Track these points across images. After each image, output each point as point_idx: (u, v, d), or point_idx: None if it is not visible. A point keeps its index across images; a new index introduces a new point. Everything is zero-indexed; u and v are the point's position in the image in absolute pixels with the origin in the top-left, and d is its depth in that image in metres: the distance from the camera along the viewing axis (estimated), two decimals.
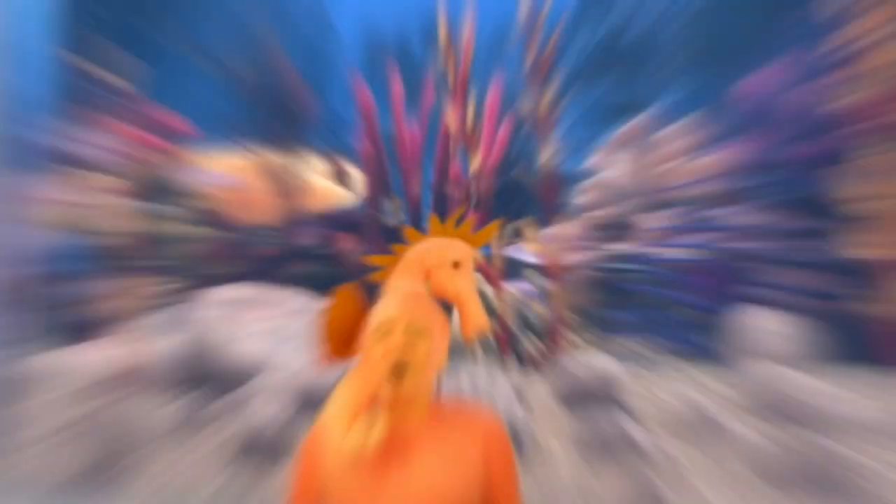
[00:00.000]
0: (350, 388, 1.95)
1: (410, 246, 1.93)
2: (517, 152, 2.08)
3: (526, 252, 1.96)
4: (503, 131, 1.90)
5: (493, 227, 1.95)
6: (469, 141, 1.94)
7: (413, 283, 1.99)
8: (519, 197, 2.01)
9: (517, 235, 2.15)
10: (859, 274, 1.85)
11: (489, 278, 1.90)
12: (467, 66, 1.96)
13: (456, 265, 1.95)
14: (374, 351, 1.91)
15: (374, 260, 1.93)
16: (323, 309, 1.98)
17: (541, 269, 1.88)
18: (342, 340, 1.99)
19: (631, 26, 2.00)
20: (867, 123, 1.77)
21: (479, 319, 1.91)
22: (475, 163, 1.95)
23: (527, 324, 1.92)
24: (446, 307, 1.90)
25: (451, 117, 1.90)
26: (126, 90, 2.38)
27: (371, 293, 1.96)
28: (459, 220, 1.88)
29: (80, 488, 2.41)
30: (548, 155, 1.92)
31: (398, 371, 1.90)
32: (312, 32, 2.19)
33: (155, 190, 2.31)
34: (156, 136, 2.24)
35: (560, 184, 1.90)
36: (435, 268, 1.98)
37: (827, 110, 1.84)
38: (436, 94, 2.12)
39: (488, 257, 1.95)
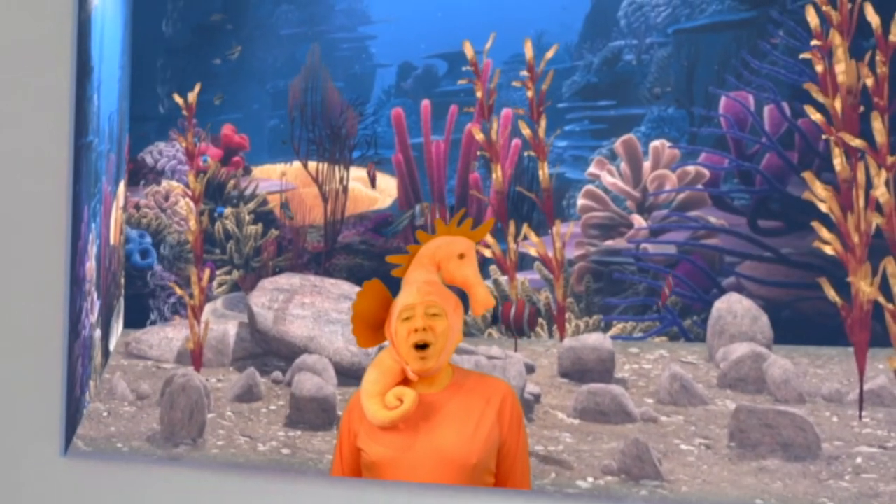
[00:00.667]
0: (382, 365, 2.28)
1: (421, 245, 2.25)
2: (526, 164, 2.36)
3: (534, 248, 2.23)
4: (514, 146, 2.17)
5: (488, 224, 2.27)
6: (491, 153, 2.22)
7: (427, 274, 2.29)
8: (528, 201, 2.30)
9: (526, 235, 2.45)
10: (821, 266, 2.10)
11: (504, 269, 2.15)
12: (484, 91, 2.27)
13: (461, 256, 2.24)
14: (399, 333, 2.24)
15: (392, 259, 2.28)
16: (353, 300, 2.32)
17: (546, 262, 2.15)
18: (371, 326, 2.31)
19: (624, 51, 2.24)
20: (826, 137, 2.02)
21: (485, 299, 2.21)
22: (497, 172, 2.25)
23: (535, 308, 2.19)
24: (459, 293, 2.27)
25: (475, 132, 2.20)
26: (191, 112, 2.66)
27: (393, 287, 2.30)
28: (461, 221, 2.20)
29: (158, 449, 2.70)
30: (549, 168, 2.23)
31: (421, 348, 2.21)
32: (354, 61, 2.45)
33: (214, 195, 2.57)
34: (218, 148, 2.51)
35: (562, 190, 2.18)
36: (444, 260, 2.27)
37: (792, 126, 2.05)
38: (458, 113, 2.41)
39: (504, 252, 2.24)
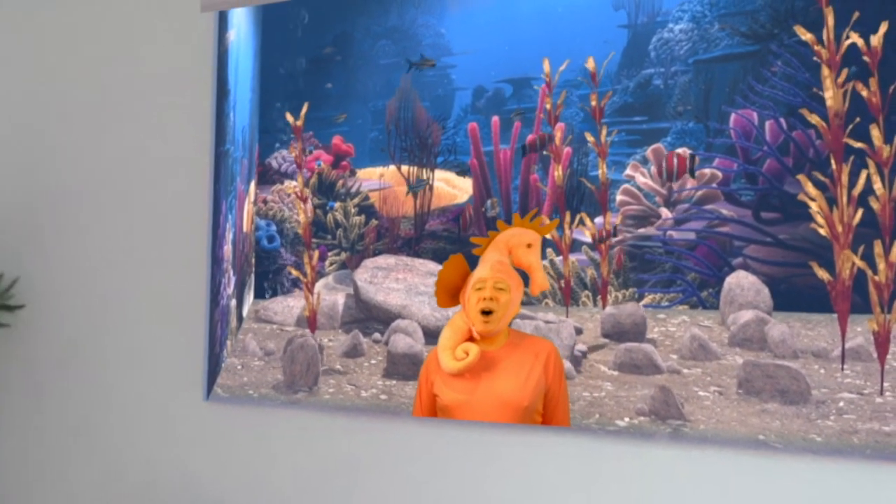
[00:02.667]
0: (454, 325, 2.66)
1: (500, 232, 2.62)
2: (575, 166, 2.63)
3: (583, 234, 2.54)
4: (566, 153, 2.49)
5: (554, 223, 2.60)
6: (555, 155, 2.52)
7: (500, 255, 2.64)
8: (577, 195, 2.59)
9: (579, 223, 2.71)
10: (811, 249, 2.22)
11: (560, 250, 2.46)
12: (542, 108, 2.52)
13: (529, 246, 2.61)
14: (471, 300, 2.59)
15: (474, 240, 2.65)
16: (439, 270, 2.70)
17: (592, 245, 2.43)
18: (450, 292, 2.67)
19: (654, 77, 2.38)
20: (818, 145, 2.14)
21: (542, 282, 2.59)
22: (558, 172, 2.56)
23: (582, 282, 2.45)
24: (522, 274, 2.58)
25: (534, 143, 2.50)
26: (298, 129, 2.95)
27: (471, 262, 2.67)
28: (533, 217, 2.57)
29: (281, 395, 3.04)
30: (597, 169, 2.49)
31: (486, 312, 2.58)
32: (438, 85, 2.71)
33: (326, 192, 2.84)
34: (329, 154, 2.84)
35: (606, 188, 2.40)
36: (515, 247, 2.63)
37: (787, 137, 2.22)
38: (521, 126, 2.67)
39: (561, 236, 2.53)
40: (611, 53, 2.57)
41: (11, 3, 3.76)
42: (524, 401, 2.53)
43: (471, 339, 2.62)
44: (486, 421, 2.64)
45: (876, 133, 2.19)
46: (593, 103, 2.58)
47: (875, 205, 2.20)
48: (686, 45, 2.43)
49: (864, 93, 2.20)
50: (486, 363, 2.59)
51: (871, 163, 2.22)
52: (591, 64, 2.58)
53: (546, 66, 2.67)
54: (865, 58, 2.22)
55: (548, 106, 2.66)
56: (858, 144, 2.22)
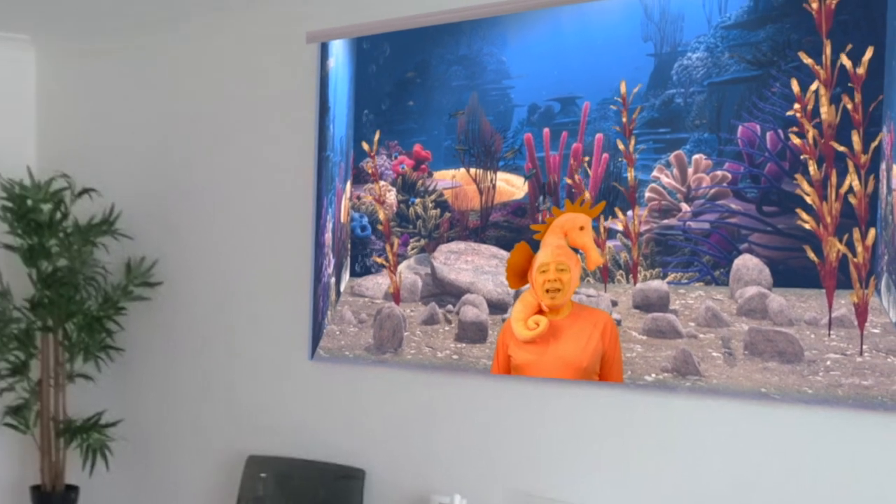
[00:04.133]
0: (525, 301, 2.84)
1: (555, 218, 2.80)
2: (611, 169, 2.66)
3: (617, 224, 2.64)
4: (604, 158, 2.55)
5: (600, 206, 2.74)
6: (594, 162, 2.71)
7: (558, 239, 2.80)
8: (612, 193, 2.61)
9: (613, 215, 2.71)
10: (804, 237, 2.34)
11: (598, 242, 2.58)
12: (584, 122, 2.63)
13: (581, 228, 2.77)
14: (537, 280, 2.78)
15: (534, 227, 2.84)
16: (507, 258, 2.91)
17: (625, 234, 2.54)
18: (519, 274, 2.86)
19: (675, 96, 2.49)
20: (810, 153, 2.27)
21: (596, 259, 2.75)
22: (595, 175, 2.64)
23: (617, 264, 2.56)
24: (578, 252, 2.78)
25: (578, 149, 2.65)
26: (373, 151, 3.07)
27: (534, 246, 2.89)
28: (581, 203, 2.75)
29: (371, 355, 3.24)
30: (630, 172, 2.58)
31: (552, 291, 2.76)
32: (499, 103, 2.87)
33: (408, 190, 3.03)
34: (411, 159, 2.99)
35: (636, 187, 2.55)
36: (569, 230, 2.79)
37: (787, 145, 2.32)
38: (568, 136, 2.71)
39: (596, 227, 2.64)
40: (638, 85, 2.72)
41: (154, 37, 3.99)
42: (584, 362, 2.74)
43: (539, 311, 2.83)
44: (550, 377, 2.86)
45: (856, 139, 2.33)
46: (623, 119, 2.73)
47: (853, 200, 2.33)
48: (702, 70, 2.57)
49: (850, 106, 2.33)
50: (552, 331, 2.80)
51: (850, 164, 2.35)
52: (623, 86, 2.75)
53: (589, 88, 2.80)
54: (850, 84, 2.35)
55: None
56: (841, 148, 2.35)
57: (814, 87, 2.39)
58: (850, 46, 2.33)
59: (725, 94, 2.54)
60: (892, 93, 2.23)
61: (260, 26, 3.59)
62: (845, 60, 2.34)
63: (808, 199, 2.38)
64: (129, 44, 4.04)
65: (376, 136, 3.24)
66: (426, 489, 3.10)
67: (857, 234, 2.32)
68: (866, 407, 2.29)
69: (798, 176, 2.39)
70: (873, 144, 2.33)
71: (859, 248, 2.31)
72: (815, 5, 2.39)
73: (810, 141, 2.40)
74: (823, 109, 2.34)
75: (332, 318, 3.35)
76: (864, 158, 2.32)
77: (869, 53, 2.32)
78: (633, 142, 2.72)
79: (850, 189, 2.34)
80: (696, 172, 2.58)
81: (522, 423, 2.93)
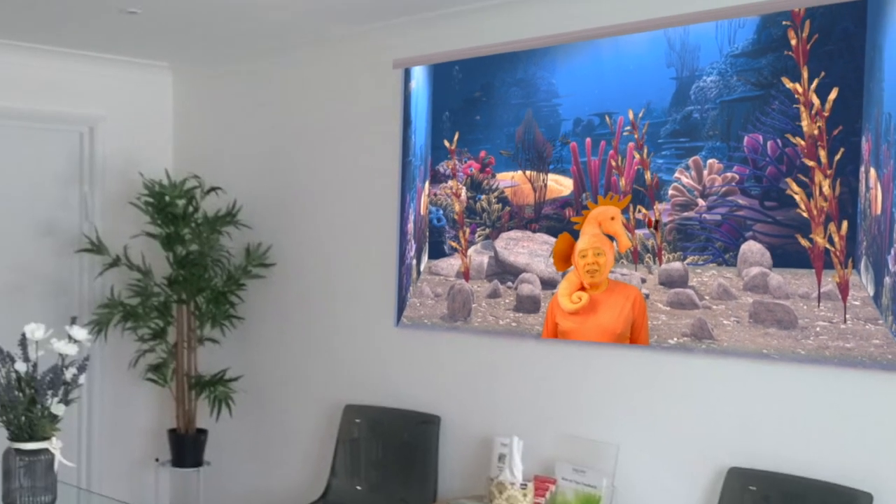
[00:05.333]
0: (569, 280, 2.96)
1: (591, 210, 2.94)
2: (640, 172, 2.74)
3: (643, 216, 2.66)
4: (634, 163, 2.68)
5: (627, 199, 2.82)
6: (626, 166, 2.69)
7: (594, 228, 2.92)
8: (643, 186, 2.68)
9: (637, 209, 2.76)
10: (797, 226, 2.39)
11: (628, 228, 2.70)
12: (619, 134, 2.72)
13: (612, 218, 2.87)
14: (579, 263, 2.91)
15: (574, 218, 2.99)
16: (553, 245, 3.04)
17: (649, 224, 2.63)
18: (563, 259, 2.97)
19: (694, 112, 2.57)
20: (805, 158, 2.34)
21: (626, 243, 2.81)
22: (626, 176, 2.72)
23: (646, 248, 2.64)
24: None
25: (614, 156, 2.70)
26: (453, 150, 3.14)
27: (575, 235, 3.00)
28: (611, 198, 2.88)
29: (445, 323, 3.31)
30: (650, 175, 2.65)
31: (591, 272, 2.89)
32: (549, 117, 2.92)
33: (475, 188, 3.09)
34: (478, 163, 3.05)
35: (662, 186, 2.61)
36: (602, 220, 2.90)
37: (784, 152, 2.39)
38: (605, 145, 2.79)
39: (627, 219, 2.72)
40: (660, 96, 2.82)
41: (268, 63, 4.12)
42: (618, 328, 2.87)
43: (581, 288, 2.96)
44: (590, 341, 2.95)
45: (822, 154, 2.45)
46: (644, 131, 2.82)
47: (823, 204, 2.45)
48: (714, 90, 2.67)
49: (822, 123, 2.44)
50: (591, 303, 2.93)
51: (826, 170, 2.45)
52: (648, 102, 2.81)
53: (622, 106, 2.91)
54: (819, 115, 2.45)
55: (632, 131, 2.88)
56: (811, 163, 2.47)
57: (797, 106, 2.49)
58: (822, 74, 2.42)
59: (734, 110, 2.62)
60: (870, 109, 2.35)
61: (355, 55, 3.70)
62: (815, 93, 2.45)
63: (797, 199, 2.49)
64: (248, 68, 4.19)
65: (454, 141, 3.31)
66: (490, 432, 3.17)
67: (831, 227, 2.44)
68: (849, 365, 2.40)
69: (788, 180, 2.50)
70: (836, 157, 2.42)
71: (835, 238, 2.42)
72: (793, 42, 2.50)
73: (804, 149, 2.51)
74: (804, 123, 2.46)
75: (413, 293, 3.46)
76: (829, 171, 2.44)
77: (834, 93, 2.41)
78: (645, 151, 2.81)
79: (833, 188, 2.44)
80: (710, 174, 2.67)
81: (568, 378, 3.05)
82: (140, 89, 4.46)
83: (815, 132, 2.47)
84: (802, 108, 2.49)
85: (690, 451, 2.76)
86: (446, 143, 3.36)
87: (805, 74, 2.49)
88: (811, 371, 2.52)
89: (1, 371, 1.83)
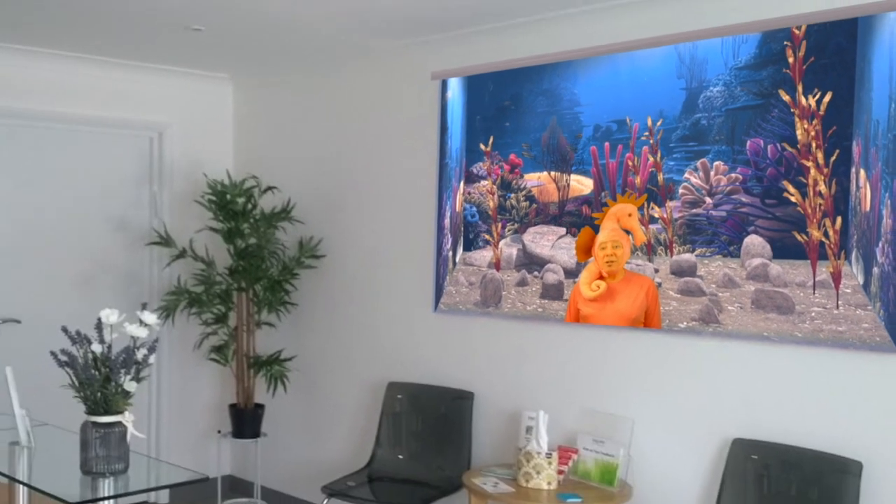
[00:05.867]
0: (590, 269, 2.99)
1: (610, 207, 2.95)
2: (654, 173, 2.71)
3: (657, 212, 2.62)
4: (649, 165, 2.66)
5: (643, 198, 2.86)
6: (641, 168, 2.68)
7: (613, 224, 2.94)
8: (656, 185, 2.65)
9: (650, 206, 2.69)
10: (794, 221, 2.41)
11: (643, 223, 2.70)
12: (634, 138, 2.70)
13: (629, 214, 2.89)
14: (598, 255, 2.94)
15: (595, 214, 2.99)
16: (576, 239, 3.04)
17: (663, 220, 2.60)
18: (584, 250, 3.00)
19: (702, 118, 2.56)
20: (801, 160, 2.35)
21: (641, 237, 2.85)
22: (641, 176, 2.71)
23: (659, 241, 2.63)
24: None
25: (630, 158, 2.67)
26: (488, 151, 3.06)
27: (595, 229, 3.03)
28: (628, 196, 2.91)
29: (478, 309, 3.28)
30: (663, 175, 2.62)
31: (609, 262, 2.92)
32: (572, 123, 2.90)
33: (505, 188, 3.03)
34: (507, 165, 3.00)
35: (673, 185, 2.60)
36: (620, 216, 2.91)
37: (783, 155, 2.41)
38: (623, 149, 2.74)
39: (642, 214, 2.71)
40: (671, 105, 2.87)
41: (318, 75, 4.13)
42: (633, 313, 2.90)
43: (600, 277, 2.97)
44: (609, 325, 2.99)
45: (820, 156, 2.52)
46: (659, 135, 2.84)
47: (820, 202, 2.52)
48: (720, 99, 2.71)
49: (818, 129, 2.50)
50: (609, 291, 2.96)
51: (821, 171, 2.52)
52: (660, 110, 2.86)
53: (638, 113, 2.96)
54: (814, 120, 2.52)
55: (648, 136, 2.90)
56: (808, 163, 2.53)
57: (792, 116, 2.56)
58: (817, 86, 2.49)
59: (738, 117, 2.67)
60: (860, 116, 2.43)
61: (396, 67, 3.76)
62: (811, 102, 2.50)
63: (793, 199, 2.56)
64: (300, 79, 4.24)
65: (490, 143, 3.34)
66: (518, 407, 3.24)
67: (827, 222, 2.50)
68: (841, 347, 2.45)
69: (785, 182, 2.57)
70: (832, 159, 2.49)
71: (830, 232, 2.49)
72: (792, 58, 2.57)
73: (800, 152, 2.57)
74: (799, 132, 2.53)
75: (449, 282, 3.48)
76: (826, 171, 2.50)
77: (829, 94, 2.48)
78: (659, 154, 2.85)
79: (823, 188, 2.51)
80: (716, 175, 2.71)
81: (588, 358, 3.10)
82: (203, 98, 4.52)
83: (812, 136, 2.53)
84: (797, 118, 2.56)
85: (698, 424, 2.81)
86: (482, 146, 3.38)
87: (800, 88, 2.56)
88: (807, 352, 2.56)
89: (79, 352, 1.83)
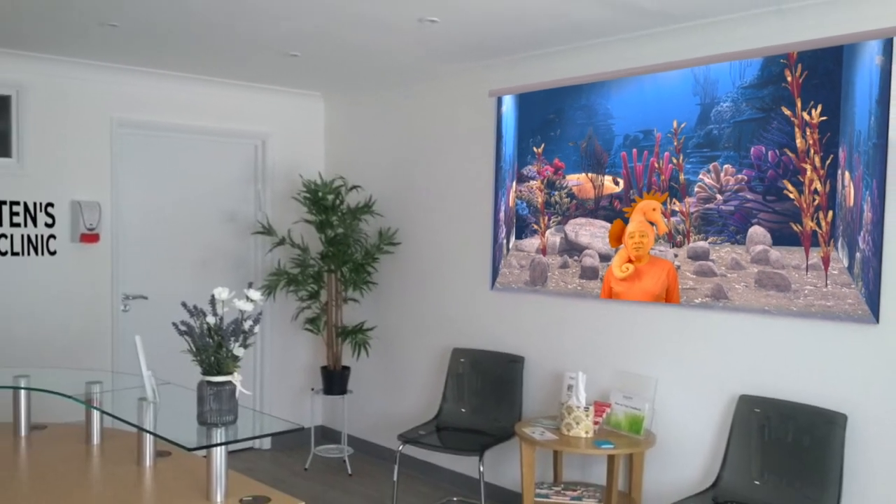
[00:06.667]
0: (620, 254, 3.05)
1: (637, 203, 3.01)
2: (674, 174, 2.69)
3: (676, 206, 2.57)
4: (668, 167, 2.66)
5: (665, 196, 2.91)
6: (663, 170, 2.63)
7: (639, 216, 2.99)
8: (676, 185, 2.62)
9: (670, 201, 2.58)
10: (791, 215, 2.42)
11: (665, 215, 2.69)
12: (658, 145, 2.69)
13: (653, 209, 2.94)
14: (628, 243, 3.00)
15: (626, 209, 3.04)
16: (609, 229, 3.09)
17: (681, 212, 2.61)
18: (616, 238, 3.07)
19: (713, 129, 2.57)
20: (800, 164, 2.34)
21: (662, 228, 2.90)
22: (663, 176, 2.70)
23: (678, 231, 2.63)
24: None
25: (654, 162, 2.68)
26: (539, 154, 3.02)
27: (625, 221, 3.08)
28: (653, 193, 2.94)
29: (528, 287, 3.41)
30: (684, 175, 2.59)
31: (637, 248, 2.99)
32: (605, 133, 2.88)
33: (550, 186, 3.04)
34: (552, 168, 2.99)
35: (690, 184, 2.60)
36: (646, 210, 2.98)
37: (781, 159, 2.41)
38: (648, 154, 2.70)
39: (664, 208, 2.68)
40: (688, 118, 2.93)
41: (392, 93, 4.20)
42: (656, 291, 2.97)
43: (629, 261, 3.05)
44: (636, 300, 3.06)
45: (817, 160, 2.60)
46: (681, 141, 2.93)
47: (815, 198, 2.60)
48: (729, 113, 2.80)
49: (813, 138, 2.59)
50: (637, 273, 3.02)
51: (813, 173, 2.60)
52: (679, 122, 2.94)
53: (665, 123, 3.01)
54: (812, 124, 2.60)
55: (676, 144, 2.94)
56: (806, 165, 2.62)
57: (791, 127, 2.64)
58: (816, 105, 2.58)
59: (743, 128, 2.74)
60: (846, 127, 2.52)
61: (459, 87, 3.84)
62: (805, 115, 2.59)
63: (791, 196, 2.65)
64: (380, 97, 4.32)
65: (540, 149, 3.38)
66: (561, 369, 3.36)
67: (821, 215, 2.61)
68: (829, 318, 2.54)
69: (785, 181, 2.67)
70: (827, 162, 2.58)
71: (823, 223, 2.59)
72: (789, 78, 2.66)
73: (796, 157, 2.67)
74: (798, 141, 2.63)
75: (503, 265, 3.55)
76: (821, 172, 2.59)
77: (820, 108, 2.56)
78: (681, 157, 2.91)
79: (817, 188, 2.60)
80: (726, 176, 2.80)
81: (619, 328, 3.18)
82: (299, 112, 4.62)
83: (810, 144, 2.58)
84: (796, 128, 2.62)
85: (710, 383, 2.88)
86: (535, 149, 3.41)
87: (799, 103, 2.65)
88: (801, 323, 2.64)
89: (196, 323, 1.85)
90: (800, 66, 2.60)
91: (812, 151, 2.56)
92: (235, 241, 4.45)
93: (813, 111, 2.57)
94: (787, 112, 2.65)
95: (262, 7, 2.72)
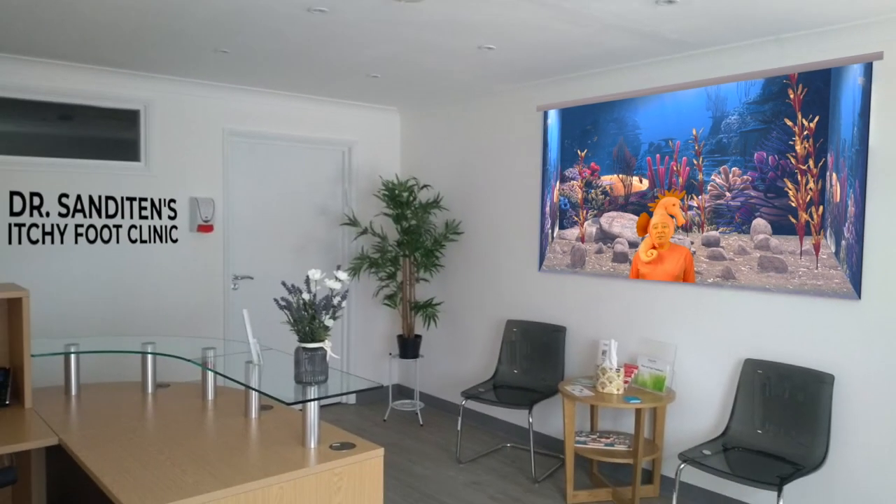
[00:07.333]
0: (646, 241, 3.17)
1: (660, 199, 3.12)
2: (692, 174, 2.72)
3: (692, 202, 2.59)
4: (686, 170, 2.70)
5: (683, 193, 3.01)
6: (681, 171, 2.67)
7: (662, 210, 3.11)
8: (692, 184, 2.67)
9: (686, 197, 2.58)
10: (789, 210, 2.47)
11: (683, 209, 2.74)
12: (676, 151, 2.74)
13: (674, 204, 3.05)
14: (652, 232, 3.12)
15: (651, 204, 3.16)
16: (636, 220, 3.22)
17: (696, 208, 2.65)
18: (642, 228, 3.19)
19: (723, 138, 2.60)
20: (798, 166, 2.39)
21: (681, 220, 3.01)
22: (682, 177, 2.75)
23: (693, 222, 2.69)
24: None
25: (674, 165, 2.73)
26: (581, 159, 3.07)
27: (650, 214, 3.18)
28: (673, 191, 3.04)
29: (569, 269, 3.54)
30: (699, 176, 2.61)
31: (660, 237, 3.11)
32: (633, 141, 2.93)
33: (588, 185, 3.10)
34: (589, 170, 3.04)
35: (703, 184, 2.64)
36: (667, 205, 3.08)
37: (780, 163, 2.46)
38: (668, 158, 2.70)
39: (682, 203, 2.72)
40: (702, 128, 3.04)
41: (457, 107, 4.37)
42: (676, 272, 3.08)
43: (653, 247, 3.18)
44: (659, 280, 3.19)
45: (811, 163, 2.72)
46: (696, 148, 3.04)
47: (809, 194, 2.71)
48: (736, 125, 2.92)
49: (807, 145, 2.70)
50: (659, 257, 3.14)
51: (806, 174, 2.71)
52: (695, 132, 3.05)
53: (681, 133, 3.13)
54: (806, 133, 2.71)
55: (699, 149, 3.09)
56: (803, 167, 2.73)
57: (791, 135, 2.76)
58: (815, 118, 2.68)
59: (748, 137, 2.87)
60: (833, 136, 2.64)
61: (511, 103, 3.99)
62: (804, 125, 2.71)
63: (788, 193, 2.76)
64: (445, 111, 4.49)
65: (582, 155, 3.50)
66: (596, 337, 3.53)
67: (813, 209, 2.72)
68: (819, 295, 2.68)
69: (786, 180, 2.78)
70: (818, 165, 2.69)
71: (814, 216, 2.71)
72: (791, 95, 2.76)
73: (792, 161, 2.80)
74: (798, 147, 2.74)
75: (549, 250, 3.72)
76: (814, 172, 2.71)
77: (814, 119, 2.67)
78: (700, 160, 3.03)
79: (812, 187, 2.72)
80: (733, 177, 2.93)
81: (645, 302, 3.33)
82: (379, 124, 4.80)
83: (808, 149, 2.69)
84: (797, 136, 2.74)
85: (721, 349, 3.03)
86: (579, 153, 3.53)
87: (800, 115, 2.76)
88: (796, 299, 2.78)
89: (293, 298, 1.89)
90: (800, 85, 2.72)
91: (812, 155, 2.64)
92: (326, 231, 4.59)
93: (811, 122, 2.67)
94: (789, 123, 2.73)
95: (349, 37, 2.80)
